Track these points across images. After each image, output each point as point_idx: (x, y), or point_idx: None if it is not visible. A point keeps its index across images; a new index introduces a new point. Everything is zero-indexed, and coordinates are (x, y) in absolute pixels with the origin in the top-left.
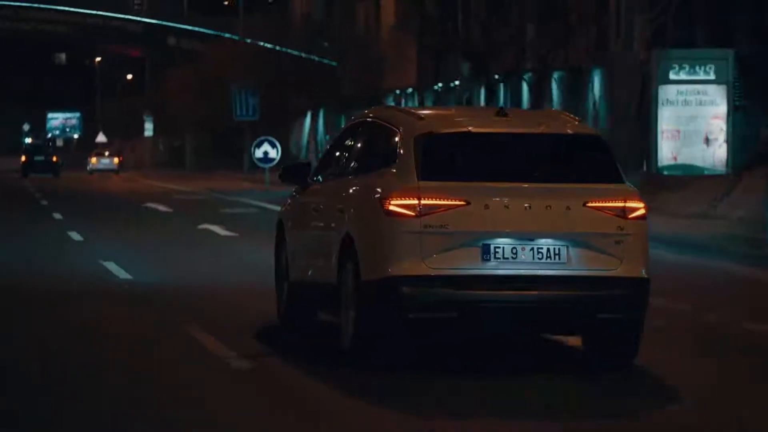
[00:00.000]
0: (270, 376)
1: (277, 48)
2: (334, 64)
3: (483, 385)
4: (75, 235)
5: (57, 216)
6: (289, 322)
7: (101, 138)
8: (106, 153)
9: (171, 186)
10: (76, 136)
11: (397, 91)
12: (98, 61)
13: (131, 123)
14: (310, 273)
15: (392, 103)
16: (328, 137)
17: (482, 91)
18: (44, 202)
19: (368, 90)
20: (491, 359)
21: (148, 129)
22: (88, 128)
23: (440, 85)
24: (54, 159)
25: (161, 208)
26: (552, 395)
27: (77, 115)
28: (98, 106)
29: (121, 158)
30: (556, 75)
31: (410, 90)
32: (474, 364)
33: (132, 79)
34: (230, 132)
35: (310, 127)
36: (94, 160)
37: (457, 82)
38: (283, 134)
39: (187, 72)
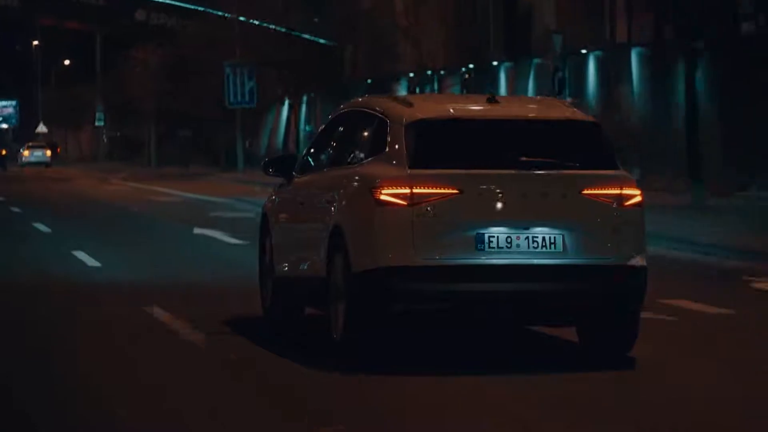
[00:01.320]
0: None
1: (265, 25)
2: (331, 44)
3: (470, 380)
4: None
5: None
6: (274, 318)
7: (41, 128)
8: (40, 145)
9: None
10: (5, 126)
11: (411, 74)
12: (36, 45)
13: (80, 111)
14: (297, 266)
15: (404, 91)
16: (309, 128)
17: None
18: None
19: (375, 73)
20: (480, 352)
21: (100, 118)
22: (28, 118)
23: (471, 66)
24: (3, 152)
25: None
26: (546, 390)
27: (13, 103)
28: (38, 94)
29: (58, 150)
30: None
31: (429, 72)
32: (462, 357)
33: (77, 61)
34: (207, 122)
35: (289, 116)
36: (26, 152)
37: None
38: (252, 124)
39: (156, 53)
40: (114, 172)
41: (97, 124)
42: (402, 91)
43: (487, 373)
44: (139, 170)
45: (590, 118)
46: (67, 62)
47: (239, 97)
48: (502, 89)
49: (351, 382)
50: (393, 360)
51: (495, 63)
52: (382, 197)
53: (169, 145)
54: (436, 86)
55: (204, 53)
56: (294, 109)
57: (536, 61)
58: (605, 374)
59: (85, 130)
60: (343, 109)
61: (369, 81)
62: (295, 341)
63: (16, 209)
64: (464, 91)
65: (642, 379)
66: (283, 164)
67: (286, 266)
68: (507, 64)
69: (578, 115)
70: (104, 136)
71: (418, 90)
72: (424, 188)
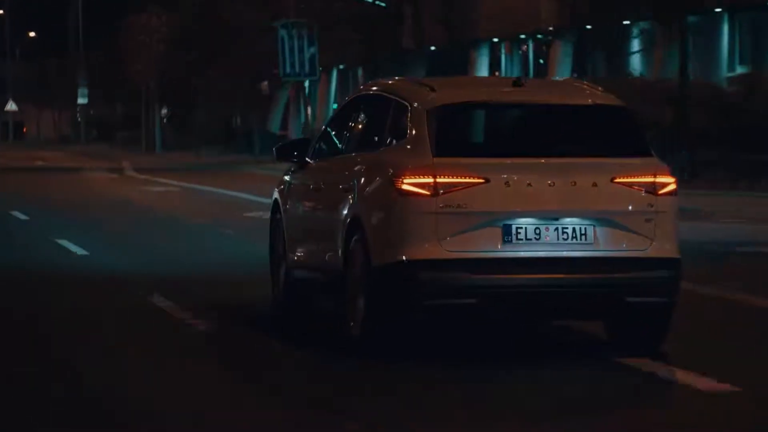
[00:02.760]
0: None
1: None
2: (383, 5)
3: (494, 377)
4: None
5: None
6: (285, 309)
7: (11, 106)
8: None
9: None
10: None
11: (495, 39)
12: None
13: (58, 88)
14: (311, 257)
15: (485, 62)
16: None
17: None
18: None
19: (447, 39)
20: (503, 347)
21: (83, 95)
22: None
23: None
24: None
25: None
26: (571, 388)
27: None
28: (5, 69)
29: (24, 130)
30: None
31: (523, 36)
32: (483, 351)
33: (45, 34)
34: (225, 102)
35: (309, 92)
36: None
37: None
38: (258, 103)
39: (162, 18)
40: (113, 159)
41: (79, 101)
42: (483, 62)
43: (510, 369)
44: (146, 159)
45: (620, 103)
46: (32, 34)
47: (296, 67)
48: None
49: (369, 375)
50: (411, 353)
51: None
52: (405, 187)
53: (167, 128)
54: (530, 55)
55: (238, 15)
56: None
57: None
58: (635, 371)
59: (62, 109)
60: (359, 92)
61: (432, 48)
62: (308, 332)
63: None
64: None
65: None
66: (296, 149)
67: (298, 255)
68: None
69: (608, 99)
70: (78, 116)
71: (504, 58)
72: (449, 177)
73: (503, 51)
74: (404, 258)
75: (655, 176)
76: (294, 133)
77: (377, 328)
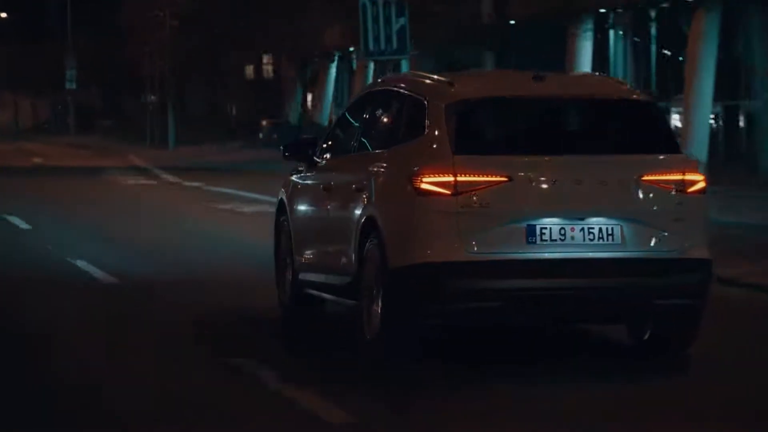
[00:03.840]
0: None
1: None
2: None
3: (514, 384)
4: None
5: None
6: (294, 312)
7: None
8: None
9: None
10: None
11: (602, 10)
12: None
13: (38, 72)
14: (320, 259)
15: (589, 34)
16: None
17: None
18: None
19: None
20: (523, 351)
21: (71, 78)
22: None
23: None
24: None
25: None
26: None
27: None
28: None
29: None
30: None
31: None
32: (503, 356)
33: (16, 17)
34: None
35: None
36: None
37: None
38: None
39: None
40: (121, 155)
41: (67, 86)
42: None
43: (532, 375)
44: (164, 156)
45: (647, 97)
46: (3, 15)
47: (382, 44)
48: None
49: (385, 383)
50: (428, 359)
51: None
52: (424, 186)
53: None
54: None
55: None
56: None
57: None
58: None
59: (37, 96)
60: (371, 87)
61: (512, 22)
62: (317, 337)
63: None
64: None
65: (702, 380)
66: (304, 147)
67: (307, 258)
68: None
69: (634, 93)
70: (68, 102)
71: (612, 35)
72: (470, 176)
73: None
74: (423, 260)
75: (684, 173)
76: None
77: (394, 334)
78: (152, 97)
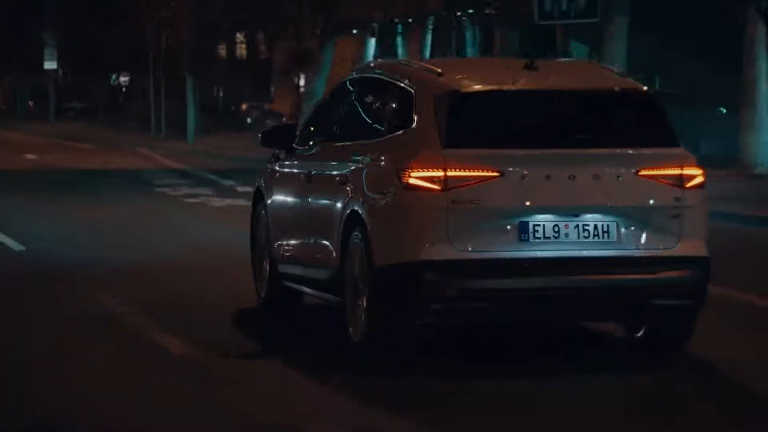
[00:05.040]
0: None
1: None
2: None
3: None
4: None
5: None
6: (271, 306)
7: None
8: None
9: None
10: None
11: None
12: None
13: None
14: (300, 253)
15: None
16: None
17: None
18: None
19: None
20: (512, 352)
21: (51, 56)
22: None
23: None
24: None
25: None
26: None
27: None
28: None
29: None
30: None
31: None
32: (495, 357)
33: None
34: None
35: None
36: None
37: None
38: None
39: None
40: (135, 150)
41: (46, 66)
42: None
43: (523, 374)
44: (178, 149)
45: (644, 88)
46: None
47: (563, 4)
48: None
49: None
50: (415, 360)
51: None
52: (412, 181)
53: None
54: None
55: None
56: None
57: None
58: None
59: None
60: (354, 75)
61: None
62: (298, 332)
63: None
64: None
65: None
66: (283, 135)
67: (285, 250)
68: None
69: (631, 83)
70: (50, 85)
71: None
72: (460, 170)
73: None
74: (411, 259)
75: (682, 168)
76: None
77: (381, 334)
78: (123, 79)
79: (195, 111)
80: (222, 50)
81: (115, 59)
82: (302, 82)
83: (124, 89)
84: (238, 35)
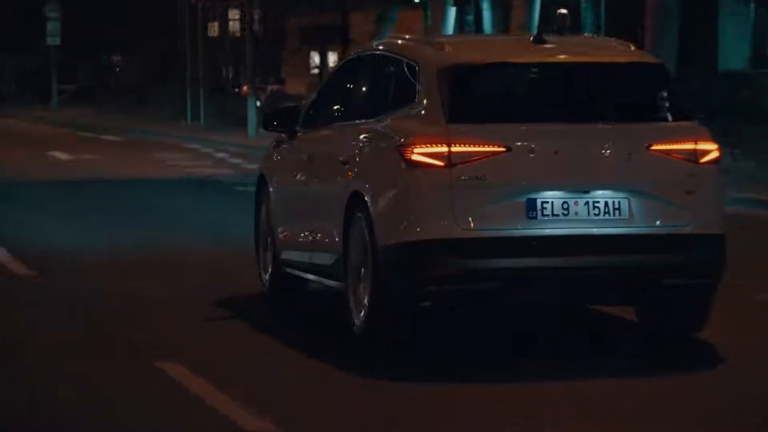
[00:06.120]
0: None
1: None
2: None
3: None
4: None
5: None
6: (276, 292)
7: None
8: None
9: None
10: None
11: None
12: None
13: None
14: (303, 237)
15: None
16: None
17: None
18: None
19: None
20: (524, 335)
21: (53, 33)
22: None
23: None
24: None
25: None
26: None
27: None
28: None
29: None
30: None
31: None
32: (502, 342)
33: None
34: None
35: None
36: None
37: None
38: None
39: None
40: (174, 143)
41: (49, 42)
42: None
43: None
44: (244, 145)
45: (655, 59)
46: None
47: None
48: None
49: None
50: (420, 347)
51: None
52: (415, 157)
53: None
54: None
55: None
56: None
57: None
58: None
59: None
60: (356, 53)
61: None
62: (300, 320)
63: None
64: None
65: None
66: (286, 117)
67: (289, 235)
68: None
69: (642, 55)
70: (51, 66)
71: None
72: (465, 146)
73: None
74: (415, 238)
75: (696, 143)
76: None
77: (384, 318)
78: (117, 58)
79: (253, 99)
80: (213, 28)
81: (114, 38)
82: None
83: (117, 69)
84: (230, 12)
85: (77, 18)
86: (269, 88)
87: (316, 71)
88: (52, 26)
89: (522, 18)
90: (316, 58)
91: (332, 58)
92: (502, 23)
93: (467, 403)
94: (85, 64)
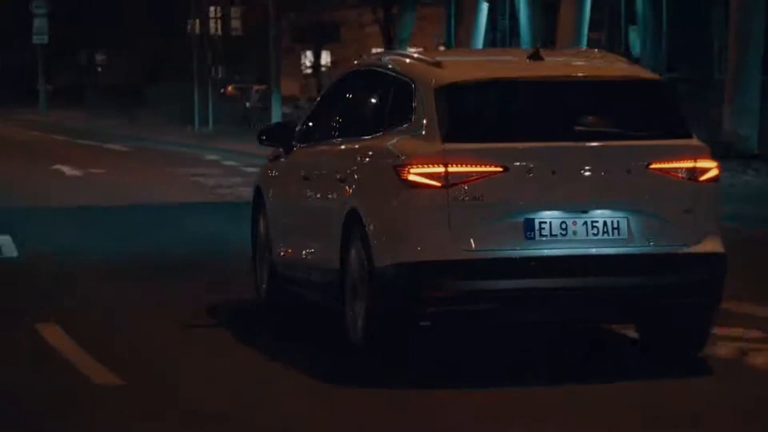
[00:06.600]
0: None
1: None
2: None
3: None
4: None
5: None
6: (273, 305)
7: None
8: None
9: None
10: None
11: None
12: None
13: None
14: (300, 254)
15: None
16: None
17: None
18: None
19: None
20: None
21: (40, 30)
22: None
23: None
24: None
25: None
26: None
27: None
28: None
29: None
30: None
31: None
32: (501, 360)
33: None
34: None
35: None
36: None
37: None
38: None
39: None
40: (191, 156)
41: (35, 40)
42: None
43: (534, 377)
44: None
45: (655, 75)
46: None
47: None
48: None
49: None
50: (416, 364)
51: None
52: (412, 177)
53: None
54: None
55: None
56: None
57: None
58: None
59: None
60: (352, 68)
61: None
62: (297, 336)
63: None
64: None
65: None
66: (282, 132)
67: (285, 251)
68: None
69: (640, 71)
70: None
71: None
72: (462, 166)
73: None
74: (412, 259)
75: (695, 160)
76: None
77: (381, 338)
78: (101, 57)
79: (279, 101)
80: (194, 26)
81: (98, 36)
82: (323, 60)
83: (100, 69)
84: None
85: (59, 15)
86: (254, 88)
87: (309, 71)
88: (39, 23)
89: (572, 17)
90: (310, 57)
91: (325, 59)
92: (544, 25)
93: (465, 406)
94: (63, 63)
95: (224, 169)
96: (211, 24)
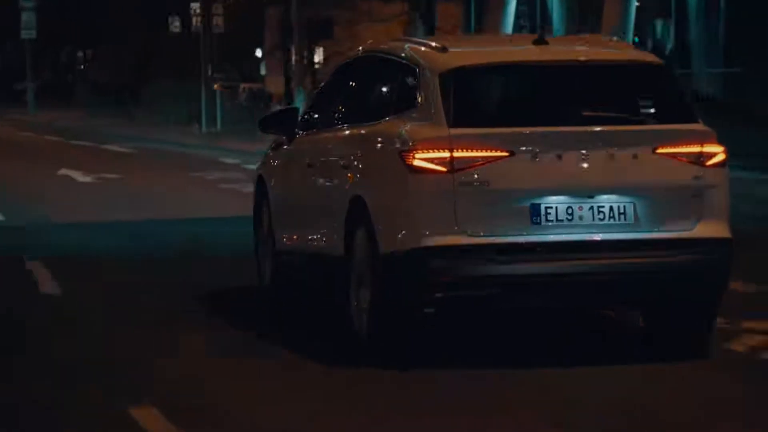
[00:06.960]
0: None
1: None
2: None
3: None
4: None
5: None
6: (275, 296)
7: None
8: None
9: None
10: None
11: None
12: None
13: None
14: (303, 242)
15: None
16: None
17: None
18: None
19: None
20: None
21: (28, 25)
22: None
23: None
24: None
25: None
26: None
27: None
28: None
29: None
30: None
31: None
32: (507, 345)
33: None
34: None
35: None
36: None
37: None
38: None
39: None
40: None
41: (24, 35)
42: None
43: (539, 365)
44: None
45: (660, 60)
46: None
47: None
48: None
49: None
50: (424, 353)
51: None
52: (417, 162)
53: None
54: None
55: None
56: None
57: None
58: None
59: None
60: (356, 54)
61: None
62: (301, 325)
63: None
64: None
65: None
66: (285, 119)
67: (289, 239)
68: None
69: (646, 56)
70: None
71: None
72: (468, 151)
73: None
74: (418, 245)
75: (702, 145)
76: None
77: (386, 325)
78: (80, 55)
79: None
80: (176, 24)
81: (82, 32)
82: (316, 58)
83: (83, 66)
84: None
85: (43, 9)
86: (241, 86)
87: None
88: (27, 17)
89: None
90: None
91: (318, 57)
92: (581, 14)
93: (473, 389)
94: (46, 59)
95: (248, 174)
96: (194, 20)
